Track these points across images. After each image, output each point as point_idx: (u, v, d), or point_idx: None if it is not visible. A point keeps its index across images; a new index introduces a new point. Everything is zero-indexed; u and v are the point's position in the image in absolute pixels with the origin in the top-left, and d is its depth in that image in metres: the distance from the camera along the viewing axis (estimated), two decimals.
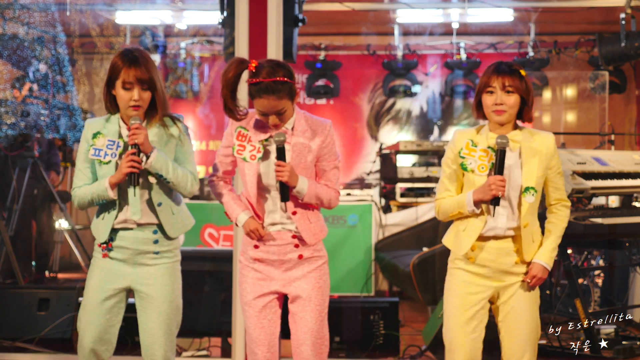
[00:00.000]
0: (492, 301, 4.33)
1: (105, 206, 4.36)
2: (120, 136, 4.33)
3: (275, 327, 4.38)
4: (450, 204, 4.29)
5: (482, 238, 4.23)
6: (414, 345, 6.92)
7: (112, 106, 4.36)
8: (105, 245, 4.36)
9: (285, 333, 5.99)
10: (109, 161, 4.28)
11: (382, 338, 6.79)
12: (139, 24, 12.72)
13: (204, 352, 6.78)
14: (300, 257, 4.31)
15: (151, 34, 12.80)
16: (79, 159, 4.41)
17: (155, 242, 4.36)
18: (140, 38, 12.79)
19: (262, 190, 4.28)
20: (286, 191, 4.16)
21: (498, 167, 4.12)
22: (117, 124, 4.35)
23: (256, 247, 4.32)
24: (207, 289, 6.80)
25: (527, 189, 4.14)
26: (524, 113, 4.23)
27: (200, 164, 14.29)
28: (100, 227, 4.38)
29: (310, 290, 4.31)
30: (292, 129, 4.25)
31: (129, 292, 4.44)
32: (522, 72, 4.21)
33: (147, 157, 4.23)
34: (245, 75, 4.21)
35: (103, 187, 4.27)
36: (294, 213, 4.27)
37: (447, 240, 4.39)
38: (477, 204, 4.17)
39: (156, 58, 13.11)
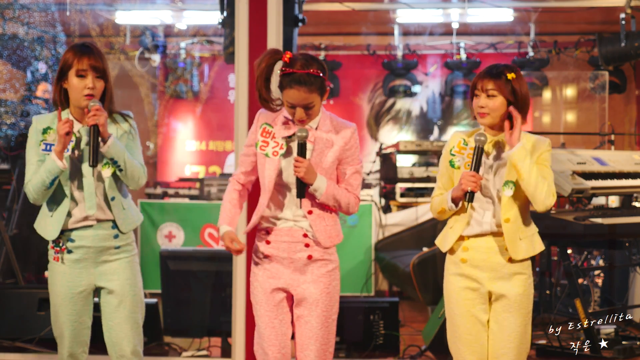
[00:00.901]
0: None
1: (54, 202, 4.30)
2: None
3: (287, 328, 4.33)
4: (437, 201, 4.31)
5: (470, 237, 4.22)
6: (414, 345, 6.92)
7: (62, 101, 4.32)
8: (58, 248, 4.32)
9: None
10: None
11: (382, 338, 6.79)
12: (139, 24, 12.74)
13: (204, 352, 6.79)
14: (310, 257, 4.25)
15: (151, 34, 12.81)
16: (30, 155, 4.34)
17: (116, 236, 4.35)
18: (140, 38, 12.81)
19: (280, 186, 4.24)
20: (302, 188, 4.12)
21: (474, 163, 4.11)
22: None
23: (268, 242, 4.28)
24: (207, 289, 6.80)
25: (506, 182, 4.13)
26: (513, 115, 4.17)
27: (200, 164, 14.30)
28: (49, 224, 4.32)
29: (319, 294, 4.26)
30: (317, 128, 4.24)
31: (94, 289, 4.40)
32: (509, 75, 4.12)
33: (104, 142, 4.20)
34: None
35: (50, 159, 4.19)
36: (310, 212, 4.23)
37: (438, 240, 4.40)
38: (454, 200, 4.17)
39: (156, 58, 13.14)
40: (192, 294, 6.77)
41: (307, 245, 4.25)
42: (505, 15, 12.24)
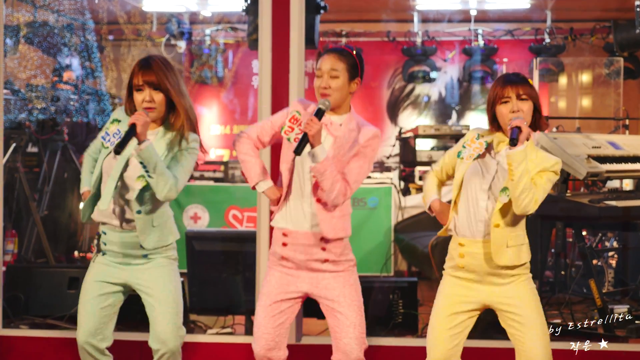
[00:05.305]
0: (490, 307, 4.31)
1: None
2: None
3: (285, 319, 4.39)
4: (426, 187, 4.49)
5: (465, 241, 4.24)
6: None
7: (133, 112, 4.34)
8: (96, 248, 4.44)
9: (308, 311, 6.10)
10: (108, 147, 4.32)
11: (401, 317, 6.77)
12: (165, 11, 12.83)
13: (228, 330, 6.78)
14: (326, 260, 4.31)
15: (177, 20, 12.88)
16: (93, 142, 4.61)
17: (142, 246, 4.37)
18: (166, 25, 12.89)
19: (296, 175, 4.30)
20: (303, 146, 4.05)
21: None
22: None
23: (284, 244, 4.33)
24: (231, 268, 6.83)
25: (503, 189, 4.10)
26: (537, 120, 4.19)
27: (224, 147, 14.39)
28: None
29: (342, 287, 4.31)
30: (342, 124, 4.30)
31: (127, 289, 4.48)
32: (530, 81, 4.19)
33: (139, 144, 4.16)
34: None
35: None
36: (318, 200, 4.25)
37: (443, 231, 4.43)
38: (431, 210, 4.38)
39: (182, 45, 13.23)
40: (217, 273, 6.77)
41: (323, 249, 4.30)
42: (522, 2, 12.32)
